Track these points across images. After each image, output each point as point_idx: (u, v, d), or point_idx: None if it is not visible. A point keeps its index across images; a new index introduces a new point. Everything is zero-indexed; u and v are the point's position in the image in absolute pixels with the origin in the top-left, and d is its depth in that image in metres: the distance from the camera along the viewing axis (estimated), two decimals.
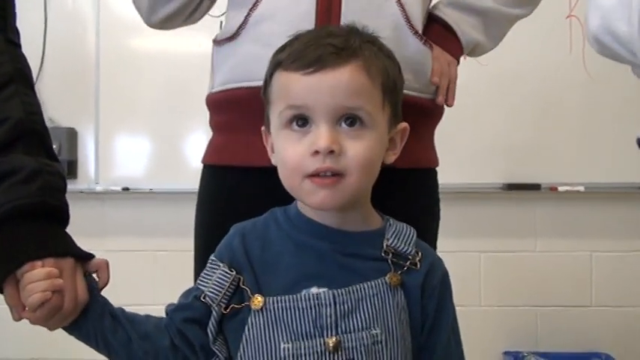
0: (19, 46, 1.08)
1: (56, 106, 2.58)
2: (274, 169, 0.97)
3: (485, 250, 2.69)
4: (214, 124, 1.28)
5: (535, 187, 2.56)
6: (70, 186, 2.88)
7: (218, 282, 0.94)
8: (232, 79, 1.18)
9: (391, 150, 0.99)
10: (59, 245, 0.95)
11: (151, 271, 2.69)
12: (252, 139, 1.08)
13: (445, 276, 1.01)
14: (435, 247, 1.24)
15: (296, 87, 0.91)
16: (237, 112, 1.16)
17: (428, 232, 1.24)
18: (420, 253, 0.98)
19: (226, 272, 0.94)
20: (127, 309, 0.98)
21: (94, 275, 1.00)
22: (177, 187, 2.57)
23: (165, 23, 1.30)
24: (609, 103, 2.50)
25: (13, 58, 1.05)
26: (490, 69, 2.27)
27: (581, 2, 2.51)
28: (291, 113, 0.92)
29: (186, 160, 2.64)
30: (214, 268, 0.96)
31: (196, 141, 2.60)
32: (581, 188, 2.55)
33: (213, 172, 1.26)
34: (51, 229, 0.96)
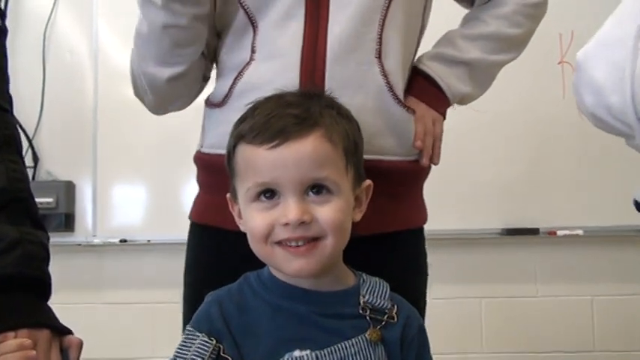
0: (8, 111, 1.08)
1: (54, 160, 2.56)
2: None
3: (486, 296, 2.67)
4: (200, 182, 1.29)
5: (534, 231, 2.55)
6: (68, 239, 2.84)
7: (198, 352, 0.91)
8: (220, 144, 1.14)
9: (357, 208, 1.00)
10: (34, 316, 0.93)
11: (149, 324, 2.64)
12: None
13: (421, 327, 1.03)
14: (425, 302, 1.24)
15: (261, 163, 0.92)
16: (223, 177, 1.13)
17: (420, 288, 1.25)
18: (395, 306, 0.99)
19: (206, 341, 0.92)
20: None
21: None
22: (175, 237, 2.54)
23: (172, 111, 1.32)
24: (605, 146, 2.48)
25: (1, 123, 1.04)
26: (485, 115, 2.28)
27: (572, 48, 2.54)
28: (259, 189, 0.93)
29: (184, 211, 2.56)
30: (192, 339, 0.93)
31: (194, 191, 2.58)
32: (580, 232, 2.53)
33: (198, 230, 1.27)
34: (27, 299, 0.94)
